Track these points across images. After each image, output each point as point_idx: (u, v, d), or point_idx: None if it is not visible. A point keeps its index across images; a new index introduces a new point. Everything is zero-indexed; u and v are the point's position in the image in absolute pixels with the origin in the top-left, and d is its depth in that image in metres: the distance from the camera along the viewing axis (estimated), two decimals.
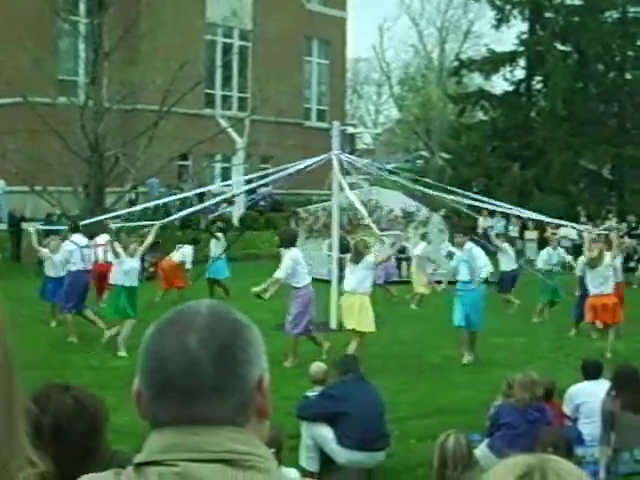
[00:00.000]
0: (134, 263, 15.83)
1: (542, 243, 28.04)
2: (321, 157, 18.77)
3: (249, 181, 28.22)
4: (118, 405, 8.88)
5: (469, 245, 15.56)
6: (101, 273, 18.56)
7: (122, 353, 14.62)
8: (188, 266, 22.35)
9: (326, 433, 8.77)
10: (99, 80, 29.25)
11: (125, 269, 15.53)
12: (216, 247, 23.11)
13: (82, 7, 33.72)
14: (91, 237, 18.35)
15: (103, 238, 18.19)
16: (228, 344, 1.66)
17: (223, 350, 1.65)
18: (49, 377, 2.66)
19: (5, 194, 32.61)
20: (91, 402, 2.70)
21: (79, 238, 17.43)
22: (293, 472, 6.25)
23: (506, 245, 22.07)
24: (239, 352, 1.67)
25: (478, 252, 15.61)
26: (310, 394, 9.61)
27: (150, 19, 29.75)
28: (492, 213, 32.83)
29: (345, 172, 19.38)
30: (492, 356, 15.27)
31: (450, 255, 27.46)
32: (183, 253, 22.42)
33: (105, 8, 29.22)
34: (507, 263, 21.24)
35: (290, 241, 15.55)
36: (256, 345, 1.72)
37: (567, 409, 9.60)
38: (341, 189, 18.52)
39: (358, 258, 14.41)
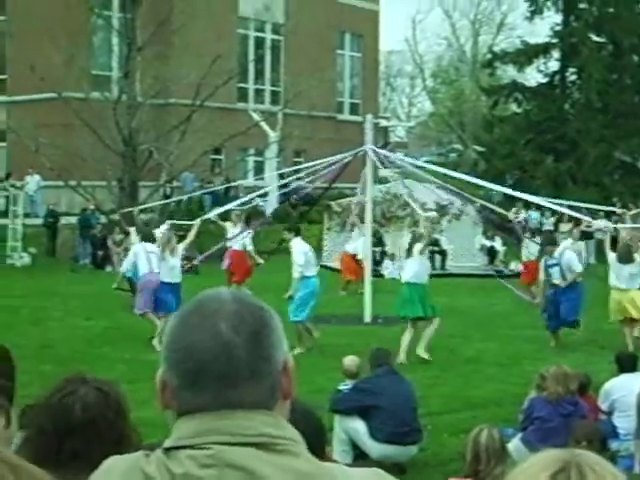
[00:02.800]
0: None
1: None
2: (354, 152, 18.74)
3: (282, 175, 28.26)
4: (149, 398, 8.93)
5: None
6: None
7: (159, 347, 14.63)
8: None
9: (359, 426, 8.76)
10: (132, 75, 29.39)
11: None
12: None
13: (115, 2, 33.89)
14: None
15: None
16: (257, 329, 1.68)
17: (253, 335, 1.67)
18: (83, 371, 2.69)
19: (40, 189, 32.86)
20: (112, 389, 2.73)
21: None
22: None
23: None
24: (267, 337, 1.70)
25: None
26: (343, 387, 9.61)
27: (183, 14, 29.85)
28: (527, 206, 32.66)
29: (382, 165, 19.31)
30: (524, 349, 15.20)
31: (483, 248, 27.46)
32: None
33: (138, 3, 29.36)
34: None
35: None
36: (279, 329, 1.74)
37: (603, 405, 9.50)
38: (375, 182, 18.47)
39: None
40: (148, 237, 16.87)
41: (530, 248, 21.37)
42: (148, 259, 16.36)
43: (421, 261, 14.66)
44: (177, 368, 1.67)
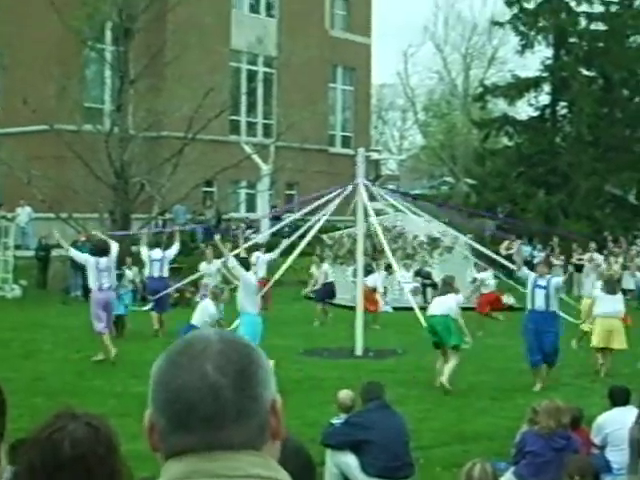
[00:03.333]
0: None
1: (568, 268, 27.93)
2: (344, 187, 18.83)
3: (274, 207, 28.33)
4: (140, 432, 8.88)
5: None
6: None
7: None
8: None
9: (351, 461, 8.72)
10: (125, 107, 29.45)
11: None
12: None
13: (108, 35, 34.00)
14: None
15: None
16: (244, 369, 1.67)
17: (240, 375, 1.65)
18: (74, 404, 2.66)
19: (31, 221, 32.81)
20: (102, 424, 2.70)
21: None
22: None
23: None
24: (254, 376, 1.68)
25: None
26: (336, 421, 9.57)
27: (175, 47, 29.96)
28: (519, 237, 32.71)
29: (370, 198, 19.39)
30: (517, 382, 15.16)
31: (475, 281, 27.41)
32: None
33: (131, 36, 29.47)
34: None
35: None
36: (267, 368, 1.73)
37: (596, 439, 9.46)
38: (366, 216, 18.52)
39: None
40: (102, 251, 17.09)
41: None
42: (99, 275, 16.59)
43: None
44: (164, 409, 1.66)
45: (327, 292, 24.16)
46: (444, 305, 15.10)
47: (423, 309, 23.71)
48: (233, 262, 16.40)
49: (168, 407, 1.65)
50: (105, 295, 16.74)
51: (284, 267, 19.71)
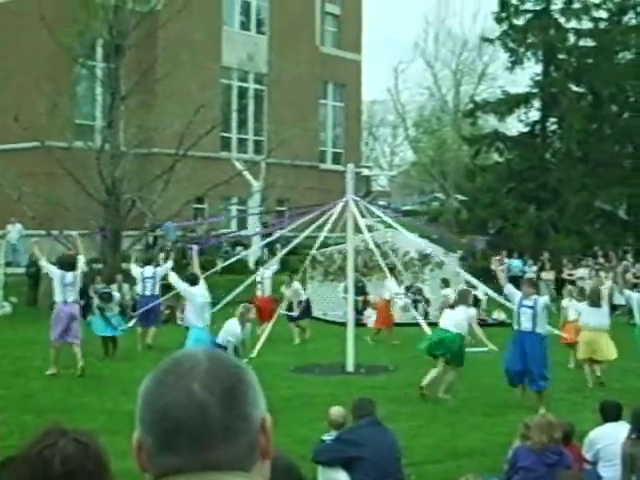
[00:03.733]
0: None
1: (559, 284, 27.99)
2: (333, 203, 18.88)
3: (265, 224, 28.31)
4: (129, 450, 8.84)
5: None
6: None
7: None
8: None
9: (342, 478, 8.69)
10: (116, 124, 29.45)
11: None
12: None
13: (99, 52, 34.04)
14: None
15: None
16: (232, 387, 1.65)
17: (228, 394, 1.64)
18: (63, 421, 2.65)
19: (22, 238, 32.75)
20: (91, 440, 2.69)
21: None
22: None
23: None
24: (243, 395, 1.66)
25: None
26: (327, 438, 9.54)
27: (166, 63, 29.99)
28: (509, 254, 32.80)
29: (361, 214, 19.42)
30: (509, 398, 15.15)
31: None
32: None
33: (122, 53, 29.48)
34: None
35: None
36: (256, 387, 1.71)
37: (588, 455, 9.44)
38: (357, 231, 18.55)
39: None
40: (69, 266, 17.24)
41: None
42: (64, 289, 16.84)
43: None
44: (151, 429, 1.64)
45: (305, 311, 23.87)
46: (455, 319, 15.45)
47: (416, 325, 23.78)
48: (174, 278, 16.79)
49: (155, 426, 1.63)
50: (70, 308, 17.33)
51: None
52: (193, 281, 16.43)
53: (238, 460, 1.64)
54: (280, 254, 23.08)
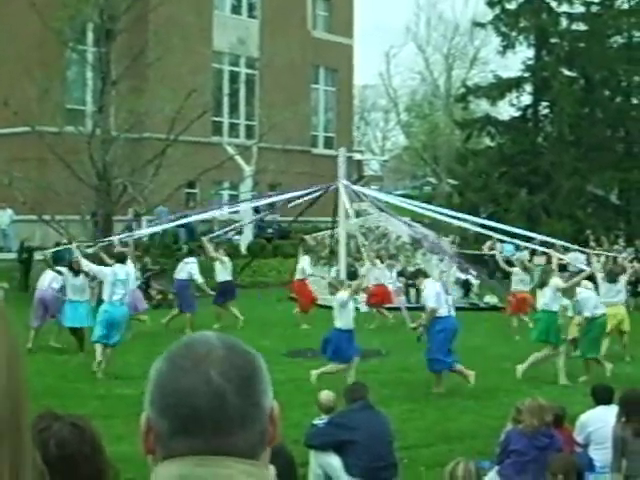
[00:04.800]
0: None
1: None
2: (324, 186, 18.87)
3: (256, 208, 28.25)
4: (124, 434, 8.85)
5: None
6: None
7: None
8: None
9: (334, 462, 8.72)
10: (107, 109, 29.34)
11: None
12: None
13: (90, 36, 33.89)
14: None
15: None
16: (248, 375, 1.66)
17: (244, 381, 1.65)
18: (56, 406, 2.66)
19: (13, 223, 32.70)
20: (86, 424, 2.70)
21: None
22: None
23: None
24: (257, 383, 1.68)
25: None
26: (318, 422, 9.56)
27: (157, 48, 29.87)
28: (502, 240, 32.81)
29: (352, 199, 19.41)
30: (500, 382, 15.20)
31: (458, 281, 27.51)
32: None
33: (113, 37, 29.35)
34: None
35: None
36: (266, 374, 1.72)
37: (579, 437, 9.48)
38: (348, 216, 18.54)
39: None
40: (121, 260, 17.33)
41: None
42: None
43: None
44: (166, 413, 1.63)
45: (224, 293, 22.57)
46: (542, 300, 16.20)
47: (409, 309, 23.83)
48: (84, 263, 17.25)
49: (170, 410, 1.63)
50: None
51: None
52: (121, 259, 16.95)
53: (252, 448, 1.65)
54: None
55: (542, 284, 16.53)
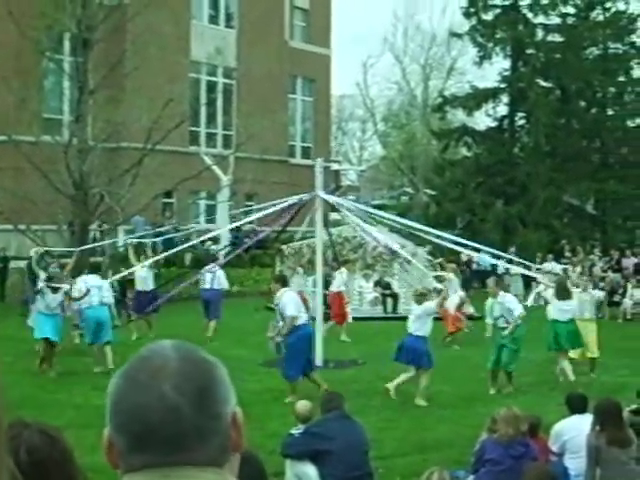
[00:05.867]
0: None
1: (527, 279, 28.16)
2: (302, 196, 18.91)
3: (233, 218, 28.22)
4: (98, 444, 8.82)
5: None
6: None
7: None
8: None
9: (310, 471, 8.73)
10: (84, 118, 29.30)
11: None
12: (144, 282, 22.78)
13: (67, 45, 33.83)
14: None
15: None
16: (203, 386, 1.63)
17: (199, 394, 1.62)
18: (34, 416, 2.67)
19: None
20: (55, 431, 2.71)
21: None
22: None
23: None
24: (214, 394, 1.65)
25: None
26: (295, 432, 9.58)
27: (135, 57, 29.86)
28: (477, 249, 32.90)
29: (331, 209, 19.49)
30: (476, 391, 15.26)
31: (435, 291, 27.51)
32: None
33: (90, 46, 29.33)
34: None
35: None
36: (226, 382, 1.69)
37: (554, 447, 9.52)
38: (326, 226, 18.60)
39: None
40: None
41: None
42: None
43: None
44: (123, 429, 1.62)
45: (142, 303, 21.71)
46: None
47: (385, 319, 23.90)
48: (77, 287, 17.64)
49: (126, 428, 1.62)
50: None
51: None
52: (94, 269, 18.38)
53: (211, 460, 1.63)
54: None
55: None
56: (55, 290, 17.22)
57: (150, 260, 21.92)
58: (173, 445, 1.60)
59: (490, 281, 16.32)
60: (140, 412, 1.60)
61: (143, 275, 22.26)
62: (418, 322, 15.10)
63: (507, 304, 15.65)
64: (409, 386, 15.56)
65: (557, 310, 16.58)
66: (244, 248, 23.52)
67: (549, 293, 17.20)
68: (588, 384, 15.11)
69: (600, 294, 18.26)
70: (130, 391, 1.63)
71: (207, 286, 22.45)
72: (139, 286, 22.48)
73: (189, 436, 1.60)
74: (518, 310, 15.74)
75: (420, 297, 15.53)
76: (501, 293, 15.97)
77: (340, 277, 23.27)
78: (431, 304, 15.29)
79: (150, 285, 22.49)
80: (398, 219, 22.03)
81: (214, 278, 22.33)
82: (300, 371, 14.71)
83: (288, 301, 14.83)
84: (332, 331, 21.64)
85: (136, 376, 1.64)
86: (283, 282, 15.44)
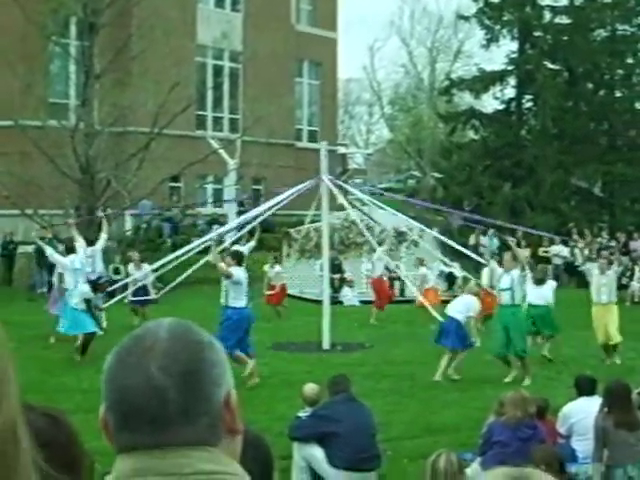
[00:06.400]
0: None
1: (535, 261, 28.10)
2: (308, 182, 18.90)
3: (241, 202, 28.20)
4: None
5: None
6: None
7: None
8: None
9: (318, 454, 8.73)
10: (90, 102, 29.28)
11: None
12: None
13: (73, 30, 33.77)
14: None
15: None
16: (191, 369, 1.62)
17: (187, 376, 1.61)
18: (40, 401, 2.67)
19: None
20: (59, 414, 2.70)
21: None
22: None
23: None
24: (203, 375, 1.63)
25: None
26: (302, 414, 9.58)
27: (141, 41, 29.80)
28: (484, 232, 32.90)
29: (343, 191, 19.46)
30: (484, 374, 15.24)
31: (442, 274, 27.54)
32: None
33: (96, 31, 29.29)
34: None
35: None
36: (220, 363, 1.67)
37: (562, 429, 9.53)
38: (332, 210, 18.57)
39: None
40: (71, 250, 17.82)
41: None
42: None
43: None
44: (113, 408, 1.64)
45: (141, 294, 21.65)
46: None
47: (392, 303, 23.85)
48: (49, 251, 17.90)
49: (115, 406, 1.63)
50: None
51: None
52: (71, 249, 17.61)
53: (200, 440, 1.61)
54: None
55: (540, 281, 17.43)
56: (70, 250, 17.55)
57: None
58: (159, 425, 1.60)
59: (507, 254, 16.12)
60: (127, 392, 1.61)
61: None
62: (460, 305, 15.87)
63: (516, 280, 15.55)
64: (415, 369, 15.58)
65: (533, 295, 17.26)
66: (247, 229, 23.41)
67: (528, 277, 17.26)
68: (596, 367, 15.08)
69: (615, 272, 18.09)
70: (120, 371, 1.65)
71: None
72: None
73: (173, 417, 1.60)
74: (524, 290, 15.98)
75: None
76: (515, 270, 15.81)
77: (379, 263, 23.22)
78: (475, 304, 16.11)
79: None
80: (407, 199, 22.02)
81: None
82: (237, 346, 14.51)
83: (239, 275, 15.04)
84: (340, 313, 21.58)
85: (127, 357, 1.65)
86: (238, 260, 15.60)
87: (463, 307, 15.70)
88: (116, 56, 29.01)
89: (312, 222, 28.15)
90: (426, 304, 18.49)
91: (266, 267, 24.75)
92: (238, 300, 14.92)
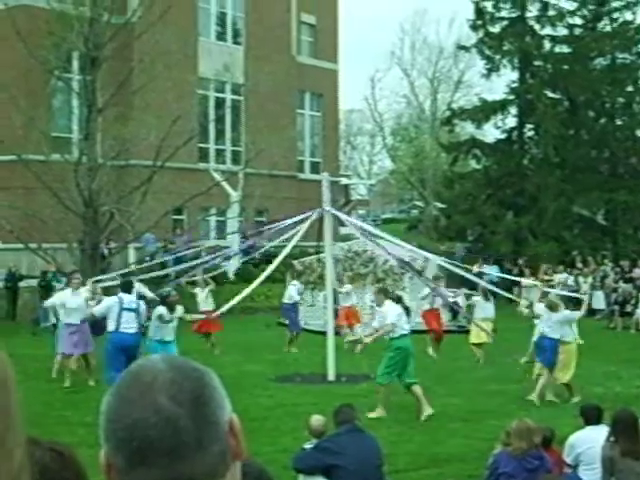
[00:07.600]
0: None
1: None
2: (308, 213, 18.90)
3: (244, 234, 28.22)
4: None
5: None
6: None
7: None
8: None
9: None
10: (93, 136, 29.34)
11: None
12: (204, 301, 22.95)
13: (75, 64, 33.91)
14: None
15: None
16: (198, 394, 1.62)
17: (195, 402, 1.60)
18: (43, 435, 2.65)
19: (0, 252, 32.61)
20: (66, 449, 2.68)
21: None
22: None
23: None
24: (210, 400, 1.63)
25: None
26: (307, 446, 9.53)
27: (143, 75, 29.92)
28: (486, 260, 32.90)
29: (340, 223, 19.47)
30: (488, 404, 15.19)
31: (446, 304, 27.45)
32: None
33: (98, 65, 29.39)
34: None
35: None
36: (220, 389, 1.67)
37: (568, 459, 9.46)
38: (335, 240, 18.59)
39: None
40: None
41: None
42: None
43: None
44: (121, 448, 1.59)
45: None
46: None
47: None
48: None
49: (125, 445, 1.59)
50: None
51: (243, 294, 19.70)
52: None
53: (213, 468, 1.61)
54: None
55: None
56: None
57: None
58: (174, 457, 1.58)
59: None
60: (137, 428, 1.58)
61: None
62: (556, 326, 16.36)
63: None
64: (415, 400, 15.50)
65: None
66: (248, 259, 23.51)
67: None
68: (602, 395, 15.02)
69: (576, 314, 17.44)
70: (124, 408, 1.61)
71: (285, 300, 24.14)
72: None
73: (189, 446, 1.58)
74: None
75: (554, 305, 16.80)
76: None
77: (425, 294, 23.12)
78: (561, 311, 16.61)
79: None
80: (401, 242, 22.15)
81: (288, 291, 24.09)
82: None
83: None
84: (342, 345, 21.56)
85: (128, 393, 1.62)
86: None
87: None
88: (118, 90, 29.09)
89: (317, 253, 28.19)
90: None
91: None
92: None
